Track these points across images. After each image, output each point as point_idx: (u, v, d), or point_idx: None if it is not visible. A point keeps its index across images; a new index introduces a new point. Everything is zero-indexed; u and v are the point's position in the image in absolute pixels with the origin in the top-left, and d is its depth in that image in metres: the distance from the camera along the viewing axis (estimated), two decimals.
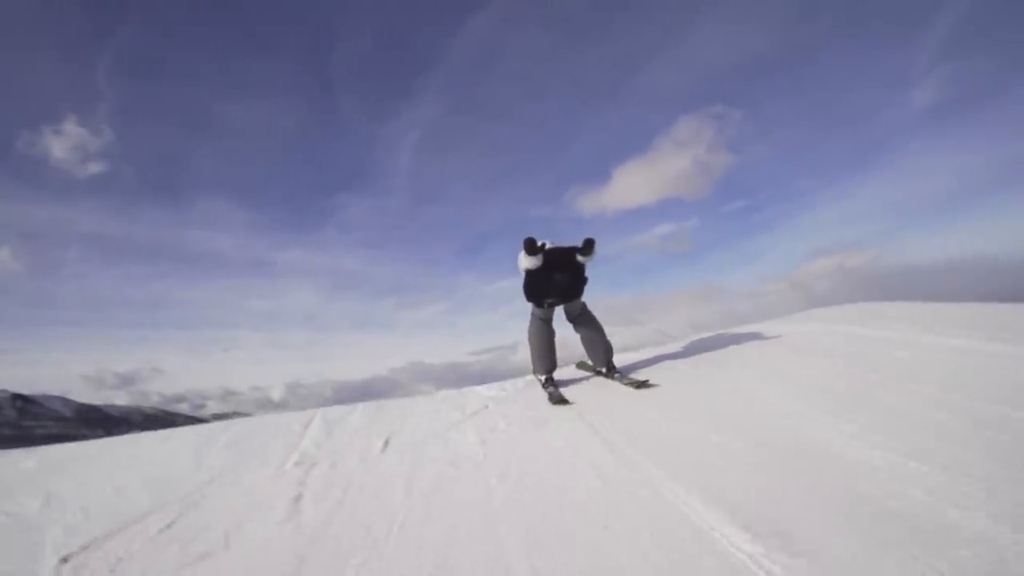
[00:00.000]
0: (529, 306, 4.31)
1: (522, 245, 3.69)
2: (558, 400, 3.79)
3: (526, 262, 3.79)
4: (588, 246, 3.77)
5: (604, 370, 4.29)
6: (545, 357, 4.26)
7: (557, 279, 3.87)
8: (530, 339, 4.33)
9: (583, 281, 4.01)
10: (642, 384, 3.77)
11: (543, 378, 4.23)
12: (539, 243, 3.72)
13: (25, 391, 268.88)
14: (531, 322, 4.33)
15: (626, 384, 3.88)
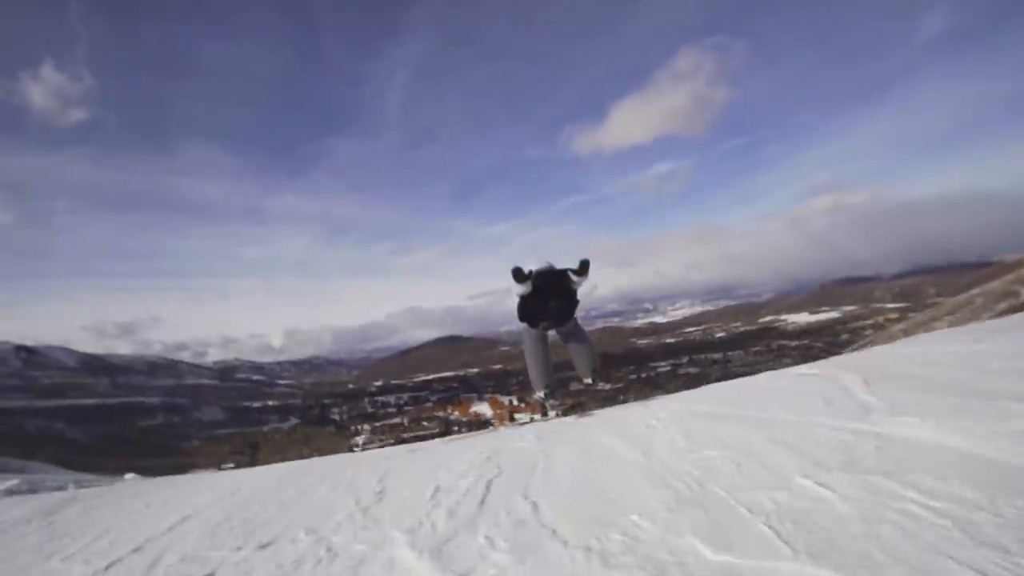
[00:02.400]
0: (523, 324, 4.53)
1: (511, 274, 3.92)
2: (560, 411, 4.24)
3: (516, 289, 4.02)
4: (584, 267, 4.03)
5: (590, 380, 4.57)
6: (543, 372, 4.51)
7: (552, 306, 4.14)
8: (527, 357, 4.55)
9: (575, 304, 4.30)
10: (602, 378, 4.46)
11: (542, 393, 4.49)
12: (526, 271, 3.95)
13: (28, 342, 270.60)
14: (526, 340, 4.53)
15: (604, 387, 4.22)
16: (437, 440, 4.87)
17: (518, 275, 3.91)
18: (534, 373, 4.56)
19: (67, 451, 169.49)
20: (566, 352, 4.82)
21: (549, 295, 4.11)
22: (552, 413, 4.54)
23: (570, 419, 4.31)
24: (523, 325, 4.50)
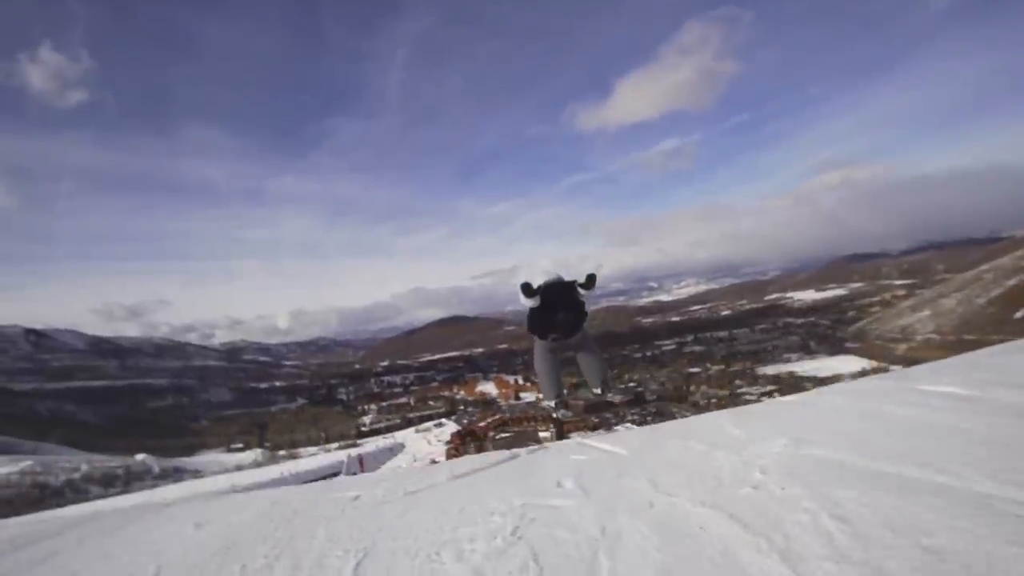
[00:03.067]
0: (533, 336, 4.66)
1: (519, 289, 4.02)
2: (570, 419, 5.33)
3: (525, 302, 4.13)
4: (590, 281, 4.13)
5: (599, 391, 4.70)
6: (554, 384, 4.65)
7: (560, 318, 4.25)
8: (537, 368, 4.70)
9: (584, 317, 4.41)
10: (612, 389, 4.61)
11: (552, 403, 4.68)
12: (535, 285, 4.07)
13: (37, 326, 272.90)
14: (536, 352, 4.66)
15: (614, 397, 4.62)
16: (444, 472, 4.41)
17: (527, 290, 4.01)
18: (544, 384, 4.72)
19: (79, 432, 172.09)
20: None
21: (557, 308, 4.19)
22: (562, 411, 4.76)
23: (596, 442, 4.18)
24: (533, 337, 4.63)
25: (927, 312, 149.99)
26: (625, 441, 4.20)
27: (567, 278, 4.43)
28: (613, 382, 4.74)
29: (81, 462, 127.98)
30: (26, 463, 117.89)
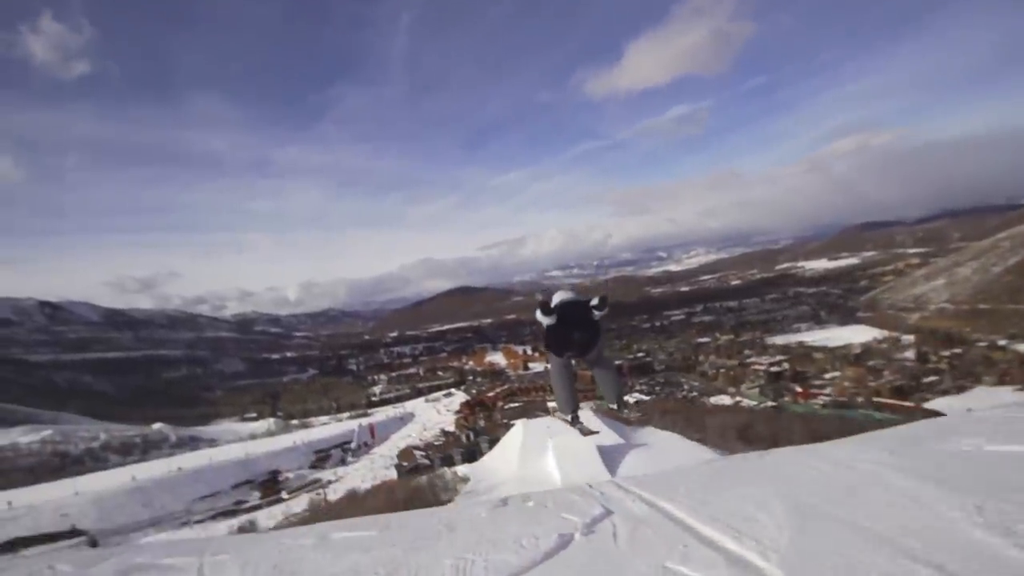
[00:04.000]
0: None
1: (537, 306, 4.24)
2: (587, 432, 4.85)
3: (542, 319, 4.29)
4: (603, 303, 4.33)
5: (615, 406, 4.89)
6: (569, 398, 4.88)
7: (576, 338, 4.40)
8: (552, 383, 4.88)
9: (599, 335, 4.51)
10: (588, 432, 4.91)
11: (569, 416, 4.93)
12: (552, 304, 4.40)
13: (51, 298, 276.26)
14: (552, 368, 4.83)
15: (627, 417, 4.83)
16: (466, 507, 3.82)
17: (544, 308, 4.24)
18: (560, 399, 4.97)
19: (96, 402, 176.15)
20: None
21: (573, 325, 4.41)
22: (579, 425, 5.04)
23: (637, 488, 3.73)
24: (550, 354, 4.83)
25: (941, 281, 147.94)
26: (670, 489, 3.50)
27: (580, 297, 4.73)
28: (627, 404, 5.00)
29: (99, 431, 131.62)
30: (46, 432, 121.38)
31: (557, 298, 4.63)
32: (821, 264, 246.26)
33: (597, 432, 5.57)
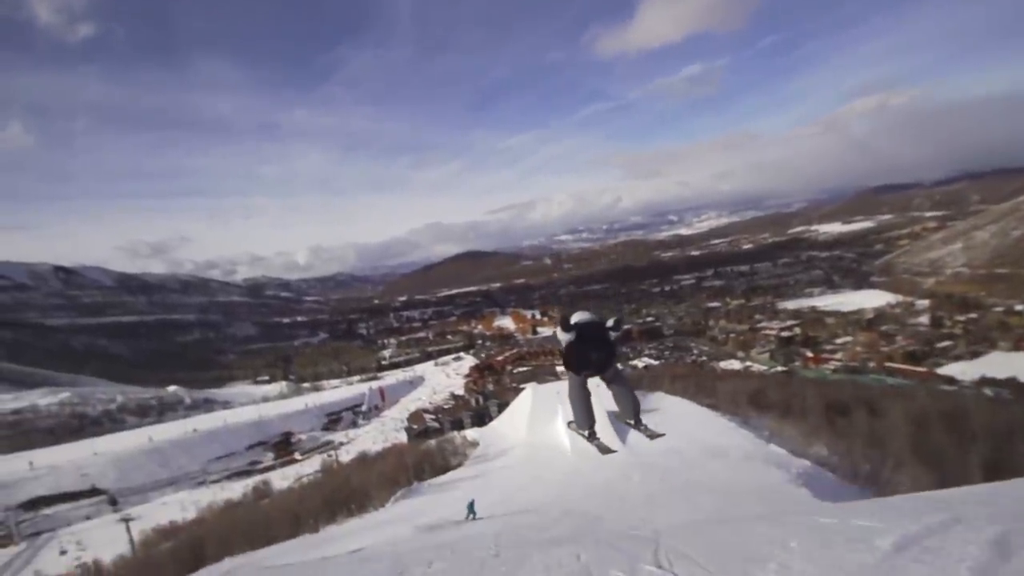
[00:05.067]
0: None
1: (558, 322, 4.65)
2: (605, 450, 5.11)
3: (562, 336, 4.61)
4: (618, 325, 4.71)
5: (632, 422, 4.97)
6: (586, 414, 5.01)
7: (594, 358, 4.64)
8: (571, 400, 5.05)
9: (615, 355, 4.74)
10: (655, 435, 4.97)
11: (587, 432, 5.08)
12: (572, 321, 4.64)
13: (65, 263, 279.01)
14: (570, 385, 5.02)
15: (646, 435, 4.96)
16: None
17: (565, 324, 4.58)
18: (578, 415, 5.08)
19: (112, 365, 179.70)
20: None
21: (591, 344, 4.61)
22: (596, 441, 5.20)
23: None
24: (568, 372, 5.00)
25: (959, 245, 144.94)
26: None
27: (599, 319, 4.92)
28: (643, 426, 5.06)
29: (116, 394, 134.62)
30: (65, 395, 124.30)
31: (575, 318, 4.79)
32: (835, 228, 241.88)
33: (615, 451, 5.84)
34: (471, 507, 17.54)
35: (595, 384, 5.06)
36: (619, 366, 5.05)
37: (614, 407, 5.25)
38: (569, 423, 5.38)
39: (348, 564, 9.48)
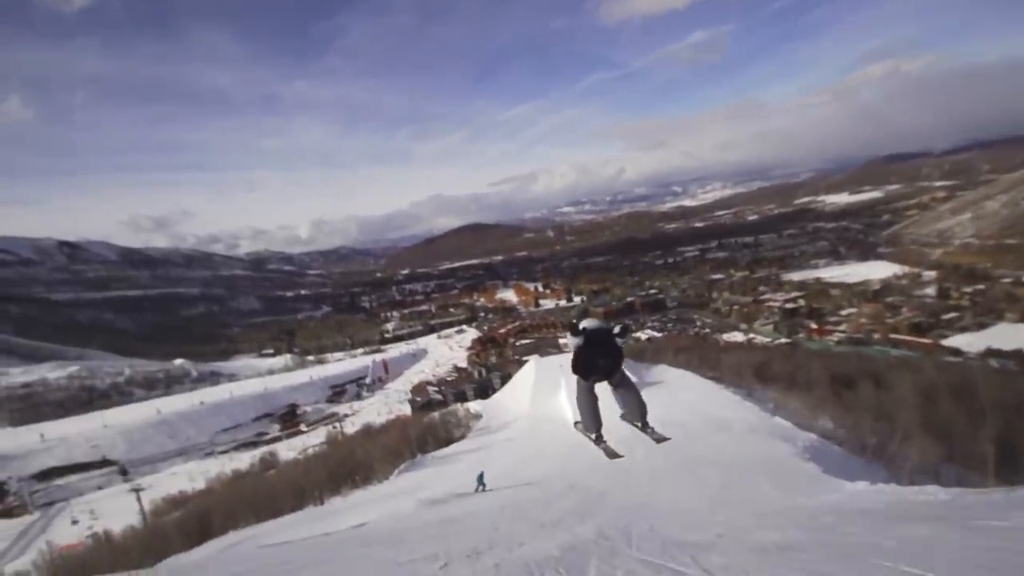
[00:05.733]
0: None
1: (568, 329, 4.90)
2: (612, 455, 5.22)
3: (571, 341, 4.84)
4: (624, 330, 4.90)
5: (640, 424, 5.15)
6: (593, 418, 5.19)
7: (601, 364, 4.86)
8: (578, 404, 5.25)
9: (621, 360, 4.95)
10: (662, 439, 5.13)
11: (593, 436, 5.24)
12: (580, 327, 4.84)
13: (69, 238, 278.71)
14: (578, 390, 5.20)
15: (653, 438, 5.10)
16: None
17: (574, 329, 4.79)
18: (585, 419, 5.25)
19: (119, 339, 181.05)
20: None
21: (599, 350, 4.80)
22: (603, 445, 5.34)
23: None
24: (576, 377, 5.12)
25: (968, 215, 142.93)
26: None
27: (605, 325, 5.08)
28: (650, 428, 5.19)
29: (123, 367, 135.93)
30: (73, 368, 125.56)
31: (584, 324, 4.95)
32: (842, 198, 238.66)
33: (622, 456, 5.51)
34: (480, 478, 17.63)
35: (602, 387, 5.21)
36: (625, 371, 5.22)
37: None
38: (576, 423, 5.52)
39: (349, 541, 9.37)
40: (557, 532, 7.51)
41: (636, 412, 5.08)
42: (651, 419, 5.17)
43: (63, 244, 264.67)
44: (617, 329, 4.86)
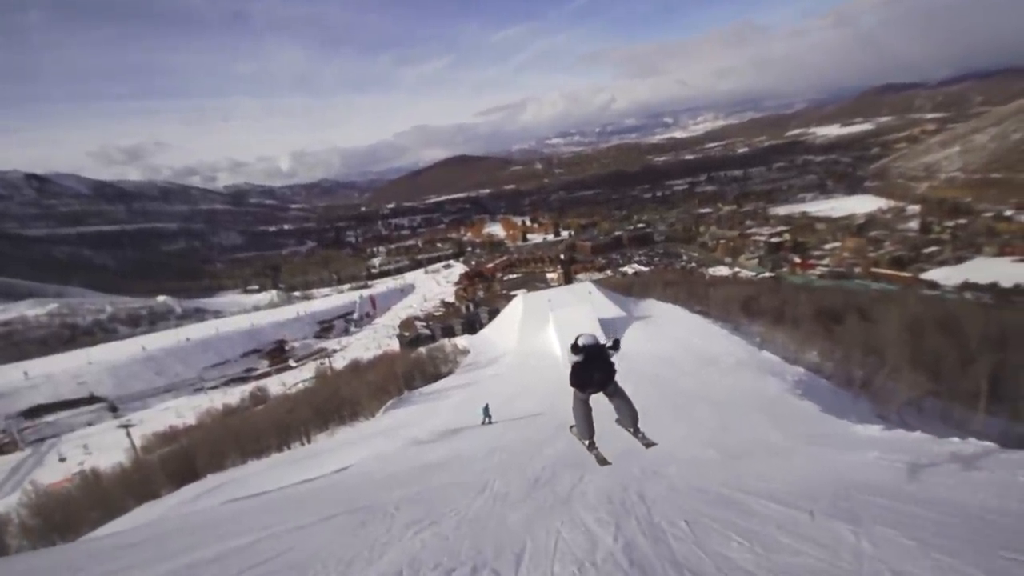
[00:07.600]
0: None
1: (569, 349, 5.24)
2: (602, 461, 5.55)
3: (571, 359, 5.23)
4: (616, 345, 5.37)
5: (632, 430, 5.52)
6: (587, 426, 5.64)
7: (596, 377, 5.26)
8: (575, 413, 5.64)
9: (614, 372, 5.33)
10: (651, 444, 5.47)
11: (586, 443, 5.68)
12: (580, 344, 5.21)
13: (36, 170, 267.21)
14: (574, 401, 5.59)
15: (643, 443, 5.43)
16: None
17: (574, 348, 5.15)
18: (580, 427, 5.66)
19: (98, 276, 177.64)
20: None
21: (594, 364, 5.20)
22: (595, 451, 5.70)
23: None
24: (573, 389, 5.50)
25: (956, 148, 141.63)
26: None
27: (601, 341, 5.49)
28: (641, 434, 5.52)
29: (105, 304, 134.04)
30: (52, 305, 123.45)
31: (582, 341, 5.26)
32: (833, 130, 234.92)
33: (611, 464, 5.71)
34: (486, 411, 17.70)
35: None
36: (618, 383, 5.54)
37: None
38: (571, 427, 5.80)
39: (326, 490, 9.00)
40: (548, 492, 7.29)
41: (628, 419, 5.49)
42: (641, 423, 5.45)
43: (31, 177, 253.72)
44: (609, 344, 5.43)
